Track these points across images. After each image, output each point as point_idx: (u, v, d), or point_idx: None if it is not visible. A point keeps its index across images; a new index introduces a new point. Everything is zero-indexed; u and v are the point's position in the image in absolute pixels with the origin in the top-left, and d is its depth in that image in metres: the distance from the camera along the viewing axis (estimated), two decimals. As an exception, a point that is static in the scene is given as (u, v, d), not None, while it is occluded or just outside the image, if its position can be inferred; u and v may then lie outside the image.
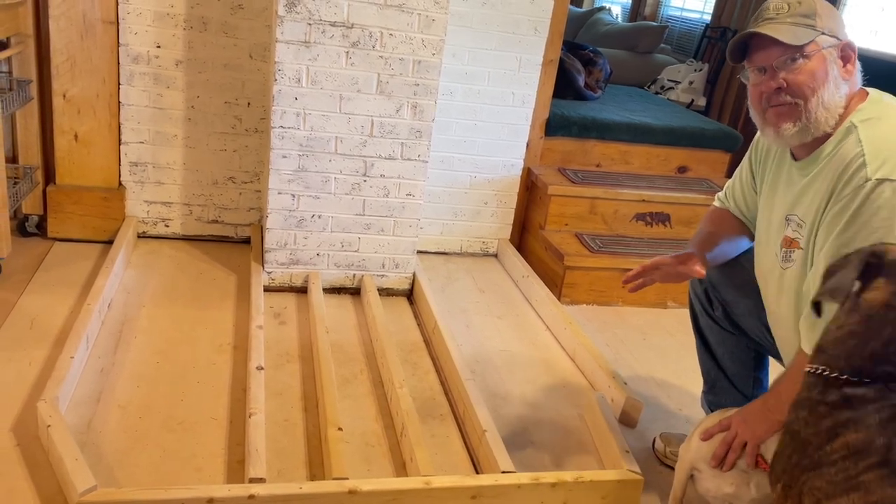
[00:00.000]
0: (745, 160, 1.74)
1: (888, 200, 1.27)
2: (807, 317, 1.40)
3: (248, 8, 2.60)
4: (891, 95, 1.45)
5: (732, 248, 1.77)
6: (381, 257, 2.64)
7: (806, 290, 1.43)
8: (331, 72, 2.36)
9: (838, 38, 1.41)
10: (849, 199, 1.31)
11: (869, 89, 1.46)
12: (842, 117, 1.40)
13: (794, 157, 1.50)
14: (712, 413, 1.72)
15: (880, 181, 1.28)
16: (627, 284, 1.75)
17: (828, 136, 1.41)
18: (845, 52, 1.42)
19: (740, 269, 1.73)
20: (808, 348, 1.39)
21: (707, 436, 1.58)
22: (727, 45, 1.49)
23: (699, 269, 1.65)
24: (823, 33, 1.39)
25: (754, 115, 1.50)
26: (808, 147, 1.45)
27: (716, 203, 1.84)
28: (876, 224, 1.28)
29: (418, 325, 2.52)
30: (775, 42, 1.39)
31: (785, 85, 1.40)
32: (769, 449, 1.44)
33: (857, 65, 1.44)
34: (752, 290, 1.66)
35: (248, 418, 1.77)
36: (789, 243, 1.48)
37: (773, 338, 1.65)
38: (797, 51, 1.39)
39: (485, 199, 3.07)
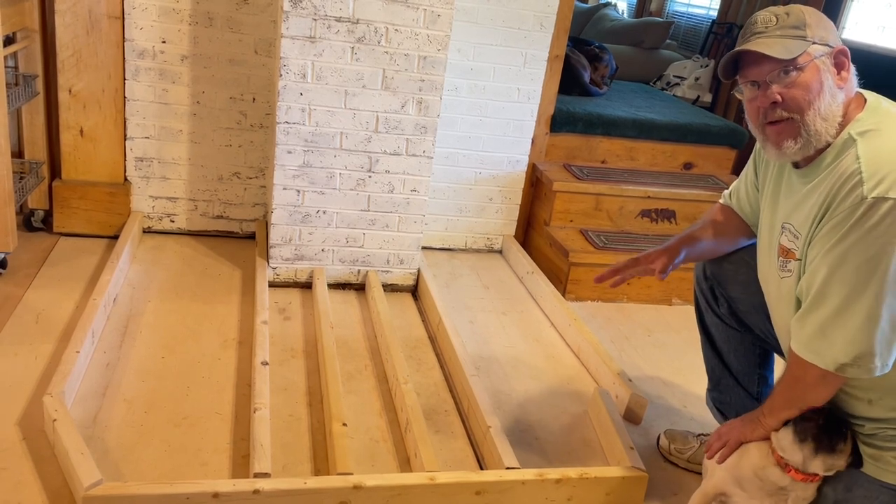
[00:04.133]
0: (750, 160, 1.73)
1: (883, 218, 1.26)
2: (798, 318, 1.40)
3: (254, 3, 2.60)
4: (889, 100, 1.43)
5: (726, 245, 1.78)
6: (386, 253, 2.64)
7: (798, 293, 1.43)
8: (336, 67, 2.36)
9: (830, 46, 1.39)
10: (845, 215, 1.30)
11: (865, 93, 1.43)
12: (840, 126, 1.38)
13: (795, 165, 1.49)
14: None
15: (877, 199, 1.26)
16: (604, 282, 1.79)
17: (828, 144, 1.39)
18: (839, 59, 1.39)
19: (745, 266, 1.73)
20: (796, 347, 1.40)
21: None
22: (722, 58, 1.47)
23: (656, 270, 1.73)
24: (815, 42, 1.37)
25: (753, 131, 1.47)
26: (809, 156, 1.43)
27: (721, 200, 1.83)
28: (870, 242, 1.27)
29: (423, 321, 2.52)
30: (767, 56, 1.37)
31: (780, 99, 1.38)
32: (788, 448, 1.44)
33: (852, 69, 1.41)
34: (757, 287, 1.66)
35: (253, 413, 1.77)
36: (786, 253, 1.48)
37: (778, 334, 1.65)
38: (790, 63, 1.36)
39: (489, 195, 3.06)
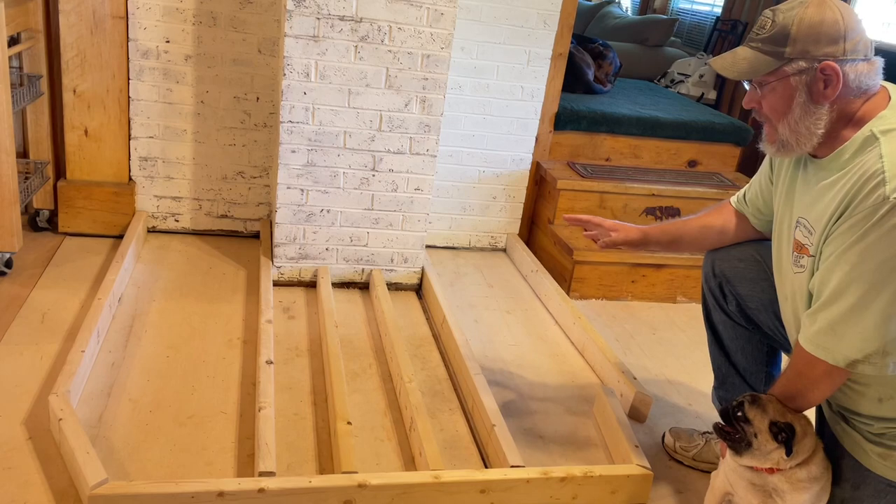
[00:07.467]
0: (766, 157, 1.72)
1: None
2: (810, 313, 1.40)
3: (257, 3, 2.60)
4: None
5: (710, 244, 1.82)
6: (390, 252, 2.64)
7: (811, 288, 1.42)
8: (339, 66, 2.36)
9: (817, 60, 1.34)
10: (865, 214, 1.29)
11: (890, 87, 1.41)
12: (856, 123, 1.37)
13: (813, 155, 1.48)
14: None
15: None
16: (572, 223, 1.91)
17: (845, 138, 1.37)
18: (826, 74, 1.34)
19: (755, 263, 1.72)
20: (804, 342, 1.40)
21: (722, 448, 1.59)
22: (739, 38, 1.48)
23: (612, 240, 1.83)
24: (792, 60, 1.34)
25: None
26: (827, 147, 1.41)
27: (733, 201, 1.82)
28: (890, 241, 1.27)
29: (427, 319, 2.52)
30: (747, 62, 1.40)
31: (758, 106, 1.43)
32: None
33: (879, 63, 1.37)
34: (767, 285, 1.65)
35: (257, 412, 1.77)
36: (799, 248, 1.47)
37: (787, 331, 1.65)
38: (759, 79, 1.40)
39: (493, 193, 3.06)
